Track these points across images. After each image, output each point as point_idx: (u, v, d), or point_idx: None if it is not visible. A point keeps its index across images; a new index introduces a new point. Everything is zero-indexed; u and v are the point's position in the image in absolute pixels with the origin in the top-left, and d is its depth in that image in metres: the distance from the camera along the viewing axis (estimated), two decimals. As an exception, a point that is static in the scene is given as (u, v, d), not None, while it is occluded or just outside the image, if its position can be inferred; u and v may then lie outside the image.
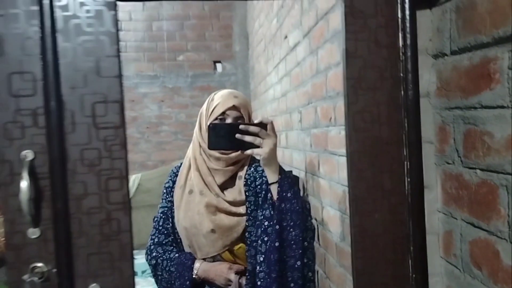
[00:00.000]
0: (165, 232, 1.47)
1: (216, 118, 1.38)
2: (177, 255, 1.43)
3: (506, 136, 0.72)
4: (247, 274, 1.38)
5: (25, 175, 0.66)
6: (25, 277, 0.69)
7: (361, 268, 0.74)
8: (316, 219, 1.80)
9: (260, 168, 1.41)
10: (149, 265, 1.48)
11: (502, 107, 0.72)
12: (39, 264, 0.69)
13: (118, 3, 0.69)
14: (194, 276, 1.39)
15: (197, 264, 1.41)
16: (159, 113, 4.26)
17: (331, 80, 1.53)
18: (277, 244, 1.27)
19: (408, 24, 0.72)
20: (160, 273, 1.44)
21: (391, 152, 0.74)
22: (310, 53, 1.83)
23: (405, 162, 0.74)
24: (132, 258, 0.70)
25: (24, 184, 0.66)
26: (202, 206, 1.40)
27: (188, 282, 1.38)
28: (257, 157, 1.37)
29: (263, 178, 1.39)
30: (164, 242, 1.46)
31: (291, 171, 2.13)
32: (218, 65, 4.34)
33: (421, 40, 0.86)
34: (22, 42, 0.68)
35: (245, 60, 4.18)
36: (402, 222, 0.74)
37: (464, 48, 0.80)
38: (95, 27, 0.68)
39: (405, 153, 0.74)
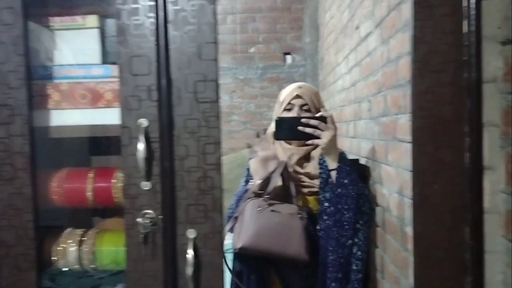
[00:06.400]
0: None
1: (285, 109, 1.59)
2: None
3: None
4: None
5: (141, 138, 0.83)
6: (138, 220, 0.86)
7: (420, 231, 0.83)
8: (381, 206, 1.86)
9: None
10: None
11: None
12: (149, 211, 0.86)
13: (216, -3, 0.84)
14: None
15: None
16: (230, 103, 4.44)
17: (401, 69, 1.58)
18: (330, 223, 1.44)
19: (473, 12, 0.79)
20: (231, 214, 1.57)
21: (453, 130, 0.82)
22: (381, 43, 1.87)
23: (466, 139, 0.82)
24: (221, 210, 0.85)
25: (141, 146, 0.83)
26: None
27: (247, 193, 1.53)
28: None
29: None
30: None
31: (357, 160, 2.20)
32: (288, 57, 4.44)
33: (489, 28, 0.91)
34: (141, 31, 0.85)
35: (315, 51, 4.24)
36: (460, 193, 0.82)
37: (530, 35, 0.85)
38: (198, 18, 0.83)
39: (466, 131, 0.82)
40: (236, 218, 1.47)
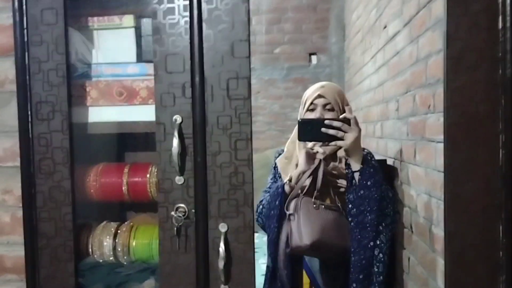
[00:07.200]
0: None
1: (308, 109, 1.59)
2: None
3: None
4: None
5: (175, 134, 0.86)
6: (172, 213, 0.88)
7: (452, 231, 0.82)
8: (409, 207, 1.84)
9: None
10: (258, 221, 1.62)
11: None
12: (182, 205, 0.89)
13: (249, -4, 0.85)
14: (286, 182, 1.53)
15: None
16: (255, 104, 4.44)
17: (431, 68, 1.56)
18: (353, 224, 1.45)
19: (508, 8, 0.78)
20: (262, 210, 1.58)
21: (487, 127, 0.81)
22: (410, 41, 1.85)
23: (500, 136, 0.81)
24: (252, 205, 0.86)
25: (175, 141, 0.85)
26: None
27: (280, 189, 1.53)
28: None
29: None
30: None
31: (384, 160, 2.18)
32: (313, 57, 4.42)
33: (524, 24, 0.90)
34: (176, 30, 0.87)
35: (341, 51, 4.22)
36: (494, 191, 0.81)
37: None
38: (231, 16, 0.85)
39: (500, 127, 0.81)
40: (290, 216, 1.49)
